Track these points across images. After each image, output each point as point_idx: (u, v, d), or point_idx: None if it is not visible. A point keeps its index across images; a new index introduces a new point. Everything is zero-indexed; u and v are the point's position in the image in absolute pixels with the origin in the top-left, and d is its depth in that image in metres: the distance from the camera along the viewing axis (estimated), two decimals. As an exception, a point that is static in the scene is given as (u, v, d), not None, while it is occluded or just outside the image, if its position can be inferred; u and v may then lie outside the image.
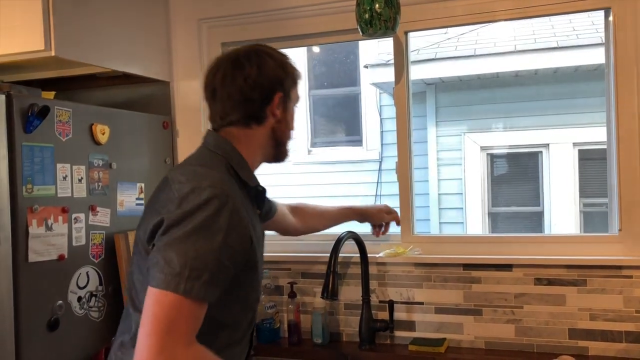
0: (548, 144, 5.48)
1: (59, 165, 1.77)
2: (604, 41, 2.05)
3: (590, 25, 5.09)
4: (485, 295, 2.04)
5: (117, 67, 2.08)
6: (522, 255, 2.01)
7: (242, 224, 1.18)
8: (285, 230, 1.92)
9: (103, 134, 1.92)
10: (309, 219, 1.97)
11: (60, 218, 1.76)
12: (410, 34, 2.18)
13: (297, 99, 1.41)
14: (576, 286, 1.94)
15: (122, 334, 1.32)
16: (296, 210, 1.94)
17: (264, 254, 1.45)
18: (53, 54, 1.78)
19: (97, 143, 1.92)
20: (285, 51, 1.42)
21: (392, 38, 2.14)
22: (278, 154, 1.39)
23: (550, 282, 1.97)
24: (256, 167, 1.38)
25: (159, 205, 1.21)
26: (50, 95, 1.93)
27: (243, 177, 1.30)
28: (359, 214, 2.06)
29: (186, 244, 1.10)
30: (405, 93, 2.16)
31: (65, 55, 1.82)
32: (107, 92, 2.37)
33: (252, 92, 1.30)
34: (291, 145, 1.42)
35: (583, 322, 1.94)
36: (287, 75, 1.35)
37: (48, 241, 1.72)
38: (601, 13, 2.01)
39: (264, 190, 1.39)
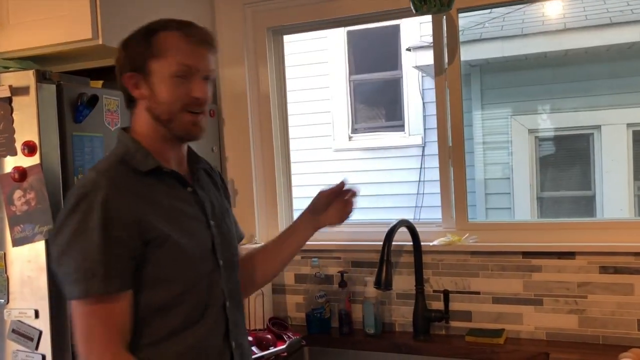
0: (600, 126, 5.26)
1: (108, 155, 1.75)
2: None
3: (645, -1, 4.83)
4: (546, 285, 1.95)
5: (162, 54, 2.05)
6: (586, 242, 1.91)
7: (122, 209, 1.14)
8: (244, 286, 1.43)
9: (151, 123, 1.90)
10: (264, 263, 1.52)
11: (111, 208, 1.75)
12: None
13: (166, 68, 1.19)
14: (646, 275, 1.83)
15: None
16: (251, 257, 1.52)
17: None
18: (100, 42, 1.77)
19: (146, 132, 1.89)
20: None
21: (444, 17, 2.04)
22: (172, 131, 1.24)
23: (617, 270, 1.86)
24: (162, 148, 1.25)
25: None
26: (98, 84, 1.91)
27: (133, 165, 1.21)
28: (311, 220, 1.57)
29: (71, 252, 1.11)
30: (459, 75, 2.07)
31: (113, 43, 1.78)
32: (152, 81, 2.34)
33: (119, 77, 1.25)
34: (187, 118, 1.22)
35: (654, 313, 1.83)
36: (143, 50, 1.20)
37: (100, 232, 1.71)
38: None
39: (172, 172, 1.25)
